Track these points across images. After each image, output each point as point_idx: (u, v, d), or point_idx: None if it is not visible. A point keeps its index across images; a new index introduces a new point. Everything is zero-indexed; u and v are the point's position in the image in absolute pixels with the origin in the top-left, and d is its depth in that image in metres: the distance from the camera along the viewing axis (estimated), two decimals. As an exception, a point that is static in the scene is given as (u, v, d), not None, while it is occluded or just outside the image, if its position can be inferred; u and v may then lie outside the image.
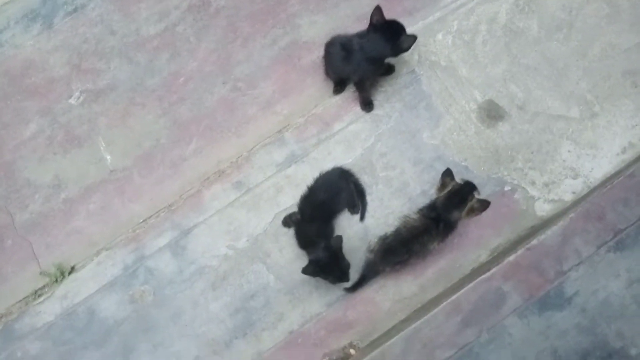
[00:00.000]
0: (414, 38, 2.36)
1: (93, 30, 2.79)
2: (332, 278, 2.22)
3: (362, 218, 2.41)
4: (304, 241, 2.29)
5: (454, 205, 2.19)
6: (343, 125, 2.57)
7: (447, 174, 2.25)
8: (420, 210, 2.23)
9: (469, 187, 2.21)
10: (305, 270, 2.16)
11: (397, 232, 2.21)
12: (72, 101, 2.69)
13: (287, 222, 2.39)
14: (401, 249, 2.18)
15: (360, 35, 2.44)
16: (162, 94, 2.68)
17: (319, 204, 2.31)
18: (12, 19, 2.80)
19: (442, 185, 2.24)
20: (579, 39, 2.65)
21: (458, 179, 2.24)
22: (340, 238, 2.19)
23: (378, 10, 2.34)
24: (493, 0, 2.73)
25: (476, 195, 2.19)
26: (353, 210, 2.42)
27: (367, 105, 2.57)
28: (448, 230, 2.21)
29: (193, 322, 2.35)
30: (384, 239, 2.23)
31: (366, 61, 2.40)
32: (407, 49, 2.39)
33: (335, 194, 2.35)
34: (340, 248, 2.20)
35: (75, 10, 2.81)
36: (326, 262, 2.17)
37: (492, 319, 2.15)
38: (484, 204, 2.18)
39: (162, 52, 2.74)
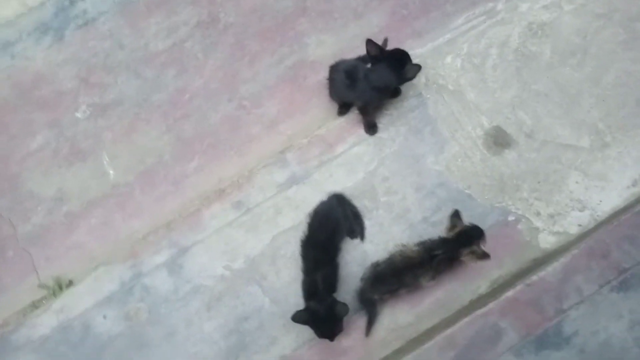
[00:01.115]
0: (418, 67, 2.33)
1: (103, 44, 2.81)
2: (319, 333, 2.17)
3: (362, 238, 2.37)
4: (309, 292, 2.22)
5: (460, 244, 2.15)
6: (346, 147, 2.54)
7: (456, 215, 2.22)
8: (422, 244, 2.19)
9: (478, 232, 2.18)
10: (295, 317, 2.13)
11: (390, 261, 2.17)
12: (78, 115, 2.72)
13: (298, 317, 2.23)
14: (391, 278, 2.15)
15: (365, 59, 2.42)
16: (167, 109, 2.69)
17: (321, 244, 2.25)
18: (24, 31, 2.84)
19: (452, 226, 2.20)
20: (593, 65, 2.58)
21: (466, 222, 2.22)
22: (346, 308, 2.13)
23: (370, 43, 2.32)
24: (505, 23, 2.67)
25: (482, 243, 2.16)
26: (352, 235, 2.38)
27: (371, 128, 2.53)
28: (443, 268, 2.16)
29: (186, 342, 2.34)
30: (375, 267, 2.19)
31: (370, 90, 2.38)
32: (411, 78, 2.37)
33: (334, 227, 2.28)
34: (342, 316, 2.14)
35: (85, 23, 2.84)
36: (321, 318, 2.13)
37: (487, 355, 2.09)
38: (485, 255, 2.15)
39: (169, 68, 2.75)
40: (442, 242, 2.18)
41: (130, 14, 2.82)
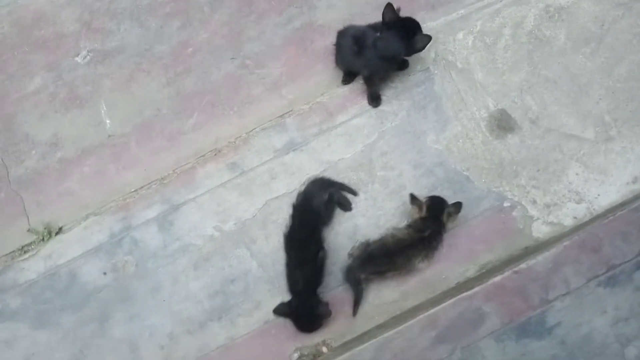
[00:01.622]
0: (428, 38, 2.26)
1: (107, -11, 2.73)
2: (298, 328, 2.18)
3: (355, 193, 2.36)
4: (292, 286, 2.22)
5: (437, 215, 2.17)
6: (347, 117, 2.50)
7: (414, 197, 2.24)
8: (410, 227, 2.18)
9: (439, 198, 2.22)
10: (277, 310, 2.15)
11: (382, 242, 2.16)
12: (78, 59, 2.66)
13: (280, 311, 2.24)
14: (383, 259, 2.14)
15: (375, 27, 2.35)
16: (169, 62, 2.63)
17: (302, 241, 2.22)
18: (27, -33, 2.74)
19: (419, 208, 2.20)
20: (606, 55, 2.51)
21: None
22: (328, 310, 2.15)
23: (390, 7, 2.24)
24: (522, 3, 2.59)
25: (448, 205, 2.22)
26: (345, 208, 2.35)
27: (374, 100, 2.48)
28: (436, 245, 2.16)
29: (171, 299, 2.35)
30: (366, 246, 2.18)
31: (378, 58, 2.32)
32: (421, 49, 2.30)
33: (314, 221, 2.24)
34: (323, 317, 2.15)
35: None
36: (302, 316, 2.15)
37: (467, 338, 2.10)
38: (457, 205, 2.20)
39: (174, 19, 2.67)
40: (423, 221, 2.17)
41: (138, -41, 2.72)
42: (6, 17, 2.70)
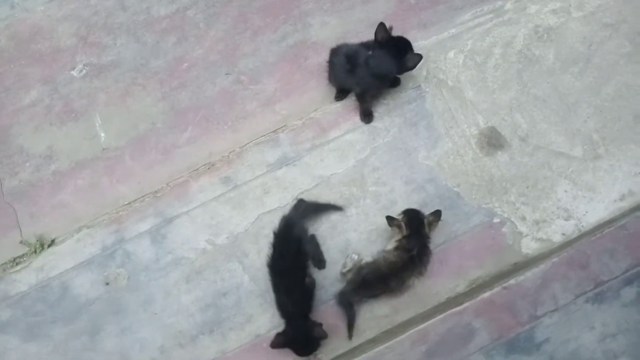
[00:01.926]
0: (419, 57, 2.31)
1: (105, 3, 2.77)
2: (299, 353, 2.19)
3: (323, 266, 2.35)
4: (283, 312, 2.22)
5: (418, 228, 2.20)
6: (340, 133, 2.53)
7: (390, 218, 2.25)
8: (397, 248, 2.20)
9: (415, 211, 2.27)
10: (274, 344, 2.15)
11: (375, 266, 2.18)
12: (74, 73, 2.69)
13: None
14: (377, 283, 2.17)
15: (367, 45, 2.39)
16: (164, 77, 2.66)
17: (286, 270, 2.21)
18: (25, -19, 2.78)
19: (398, 227, 2.23)
20: (594, 75, 2.57)
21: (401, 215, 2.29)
22: (324, 333, 2.15)
23: (382, 26, 2.28)
24: (512, 23, 2.65)
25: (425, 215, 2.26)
26: (320, 265, 2.34)
27: (366, 116, 2.52)
28: (426, 260, 2.18)
29: (163, 312, 2.36)
30: (359, 270, 2.20)
31: (370, 76, 2.36)
32: (412, 68, 2.35)
33: (296, 249, 2.23)
34: (321, 339, 2.16)
35: None
36: (300, 343, 2.15)
37: (457, 354, 2.12)
38: (437, 213, 2.25)
39: (170, 35, 2.71)
40: (408, 240, 2.20)
41: (135, -25, 2.77)
42: (3, 30, 2.73)
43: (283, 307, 2.20)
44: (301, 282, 2.19)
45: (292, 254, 2.21)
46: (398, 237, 2.22)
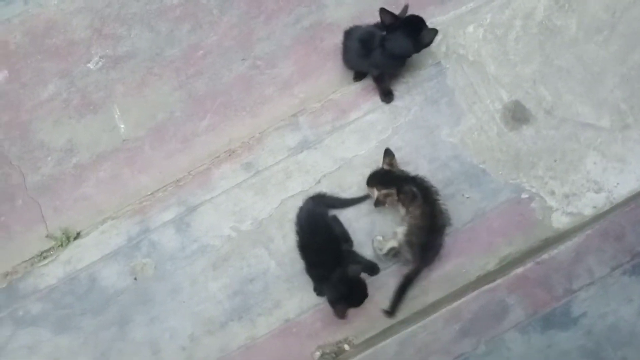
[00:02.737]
0: (434, 32, 2.26)
1: (118, -5, 2.74)
2: (355, 299, 2.12)
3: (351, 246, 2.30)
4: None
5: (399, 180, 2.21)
6: (360, 114, 2.50)
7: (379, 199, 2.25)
8: (412, 219, 2.18)
9: (378, 174, 2.28)
10: (338, 312, 2.08)
11: (416, 228, 2.15)
12: (90, 65, 2.67)
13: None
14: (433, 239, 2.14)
15: (380, 26, 2.34)
16: (180, 65, 2.63)
17: (320, 246, 2.18)
18: (38, -24, 2.76)
19: (389, 197, 2.22)
20: (619, 43, 2.49)
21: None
22: (356, 268, 2.11)
23: (383, 11, 2.25)
24: (532, -5, 2.58)
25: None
26: (347, 245, 2.28)
27: (386, 95, 2.48)
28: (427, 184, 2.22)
29: (190, 300, 2.35)
30: (409, 243, 2.15)
31: (386, 58, 2.32)
32: (428, 44, 2.30)
33: (327, 232, 2.21)
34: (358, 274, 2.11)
35: None
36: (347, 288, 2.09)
37: (491, 331, 2.08)
38: (386, 152, 2.27)
39: (184, 23, 2.68)
40: (402, 201, 2.21)
41: (147, -36, 2.74)
42: (18, 26, 2.72)
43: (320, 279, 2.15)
44: (337, 253, 2.16)
45: (320, 229, 2.19)
46: (400, 207, 2.20)
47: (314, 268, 2.17)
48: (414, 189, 2.16)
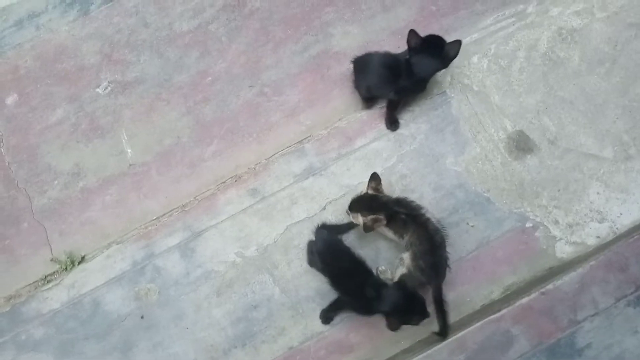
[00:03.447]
0: (458, 43, 2.29)
1: (127, 20, 2.79)
2: (415, 317, 2.07)
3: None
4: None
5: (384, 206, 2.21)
6: (365, 141, 2.52)
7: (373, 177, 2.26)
8: (410, 246, 2.18)
9: (354, 200, 2.26)
10: (392, 325, 2.04)
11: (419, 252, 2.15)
12: (99, 90, 2.70)
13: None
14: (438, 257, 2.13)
15: (391, 54, 2.38)
16: (188, 92, 2.67)
17: (350, 271, 2.17)
18: (50, 2, 2.82)
19: (378, 222, 2.21)
20: (621, 75, 2.54)
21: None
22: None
23: (413, 33, 2.28)
24: (535, 26, 2.63)
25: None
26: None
27: (392, 123, 2.51)
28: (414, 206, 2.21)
29: (194, 326, 2.34)
30: (418, 267, 2.14)
31: (414, 80, 2.36)
32: (455, 56, 2.32)
33: (350, 255, 2.20)
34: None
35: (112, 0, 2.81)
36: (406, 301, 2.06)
37: (496, 361, 2.08)
38: (373, 176, 2.26)
39: (193, 50, 2.72)
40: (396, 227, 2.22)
41: (157, -8, 2.79)
42: (29, 51, 2.76)
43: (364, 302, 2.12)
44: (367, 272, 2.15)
45: (344, 255, 2.18)
46: (388, 230, 2.22)
47: (351, 293, 2.16)
48: (403, 217, 2.16)
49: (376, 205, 2.22)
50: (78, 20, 2.79)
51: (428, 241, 2.13)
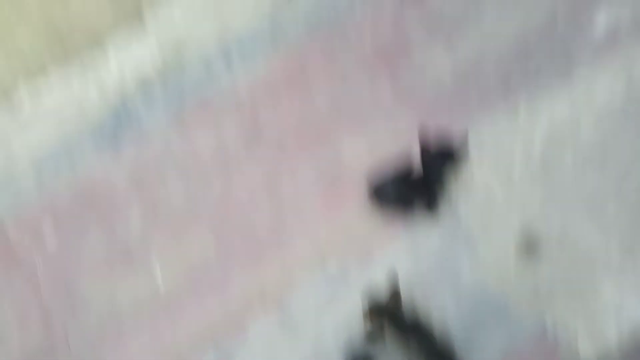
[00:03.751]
0: (465, 136, 2.51)
1: (154, 150, 2.98)
2: None
3: None
4: None
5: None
6: (382, 251, 2.64)
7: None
8: None
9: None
10: None
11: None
12: (130, 220, 2.86)
13: None
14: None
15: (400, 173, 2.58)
16: (213, 215, 2.81)
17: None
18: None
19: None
20: (616, 169, 2.67)
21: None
22: None
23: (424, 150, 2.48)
24: (527, 124, 2.78)
25: None
26: None
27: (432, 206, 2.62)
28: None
29: None
30: None
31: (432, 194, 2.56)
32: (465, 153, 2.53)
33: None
34: None
35: (139, 133, 2.99)
36: None
37: None
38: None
39: (215, 176, 2.89)
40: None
41: (181, 124, 3.00)
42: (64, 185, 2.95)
43: None
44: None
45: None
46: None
47: None
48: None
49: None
50: (108, 154, 2.98)
51: None
